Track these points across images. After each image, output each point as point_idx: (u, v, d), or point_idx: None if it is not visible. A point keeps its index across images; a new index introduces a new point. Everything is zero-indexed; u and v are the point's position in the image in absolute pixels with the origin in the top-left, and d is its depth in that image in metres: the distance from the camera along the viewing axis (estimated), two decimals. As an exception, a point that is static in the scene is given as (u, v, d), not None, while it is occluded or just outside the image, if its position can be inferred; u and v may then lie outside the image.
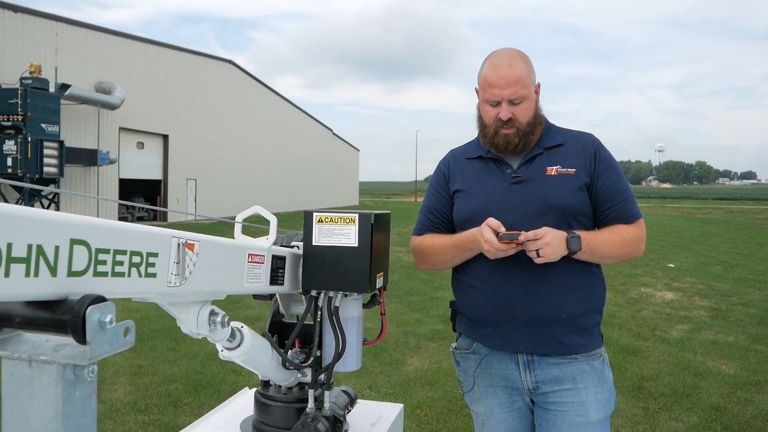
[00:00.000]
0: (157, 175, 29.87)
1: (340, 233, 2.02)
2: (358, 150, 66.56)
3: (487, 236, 2.15)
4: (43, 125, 19.82)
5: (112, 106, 24.19)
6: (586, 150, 2.34)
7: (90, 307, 1.08)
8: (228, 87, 34.87)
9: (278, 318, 2.20)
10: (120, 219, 26.84)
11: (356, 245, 2.00)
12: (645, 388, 5.98)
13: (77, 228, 1.24)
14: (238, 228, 2.01)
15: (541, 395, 2.35)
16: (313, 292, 2.02)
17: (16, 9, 21.29)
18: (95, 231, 1.28)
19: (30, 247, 1.13)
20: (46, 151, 19.77)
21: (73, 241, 1.23)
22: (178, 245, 1.52)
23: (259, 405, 2.09)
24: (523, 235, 2.09)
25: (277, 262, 1.97)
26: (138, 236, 1.39)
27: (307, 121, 47.96)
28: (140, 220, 29.19)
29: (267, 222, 1.94)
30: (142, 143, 28.51)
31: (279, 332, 2.16)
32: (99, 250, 1.28)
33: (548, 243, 2.09)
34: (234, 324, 1.83)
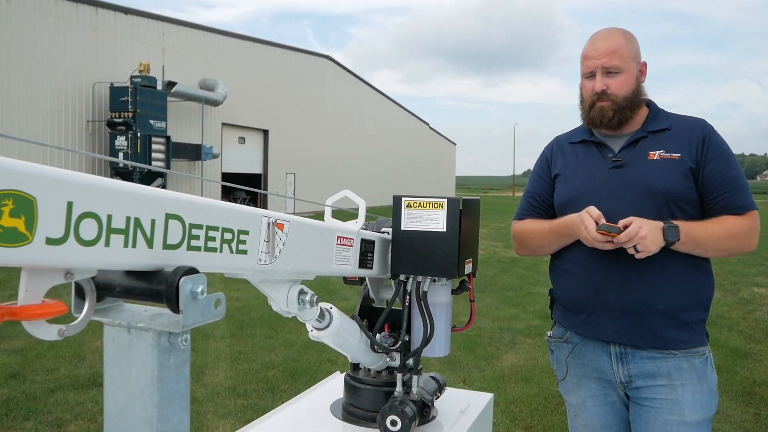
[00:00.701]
0: (257, 169, 30.70)
1: (429, 218, 2.02)
2: (455, 144, 66.24)
3: (586, 222, 2.06)
4: (152, 121, 20.73)
5: (215, 103, 25.02)
6: (694, 135, 2.21)
7: (183, 278, 1.16)
8: (326, 82, 35.41)
9: (368, 303, 2.23)
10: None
11: (444, 230, 1.99)
12: (757, 393, 5.60)
13: (172, 203, 1.31)
14: (328, 212, 2.06)
15: (634, 390, 2.25)
16: (402, 277, 2.03)
17: (126, 11, 22.34)
18: (189, 207, 1.35)
19: (128, 219, 1.22)
20: (154, 146, 20.66)
21: (168, 216, 1.31)
22: (268, 224, 1.57)
23: (349, 387, 2.12)
24: (630, 229, 2.00)
25: (366, 246, 2.00)
26: (230, 214, 1.45)
27: (403, 115, 48.11)
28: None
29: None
30: (244, 138, 29.36)
31: (369, 317, 2.18)
32: (192, 225, 1.35)
33: (644, 236, 1.98)
34: (323, 305, 1.87)
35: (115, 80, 20.84)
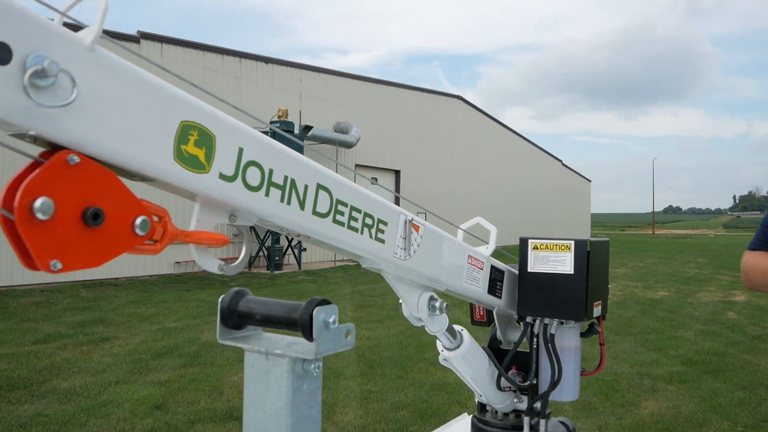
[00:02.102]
0: (389, 208, 31.14)
1: (556, 260, 2.01)
2: (590, 181, 64.38)
3: None
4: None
5: (348, 145, 25.80)
6: None
7: (317, 308, 1.23)
8: (457, 122, 35.64)
9: (495, 344, 2.25)
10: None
11: (572, 272, 1.97)
12: None
13: (323, 176, 1.46)
14: (459, 235, 2.11)
15: None
16: (529, 319, 2.03)
17: (267, 60, 23.64)
18: (338, 184, 1.49)
19: (286, 178, 1.38)
20: (292, 188, 21.49)
21: (319, 186, 1.45)
22: (405, 222, 1.69)
23: (476, 430, 2.12)
24: None
25: (496, 274, 2.05)
26: (372, 202, 1.59)
27: (535, 152, 47.45)
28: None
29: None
30: (376, 178, 29.97)
31: (496, 358, 2.18)
32: (339, 201, 1.49)
33: None
34: (455, 326, 1.94)
35: (255, 126, 21.95)
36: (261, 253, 21.67)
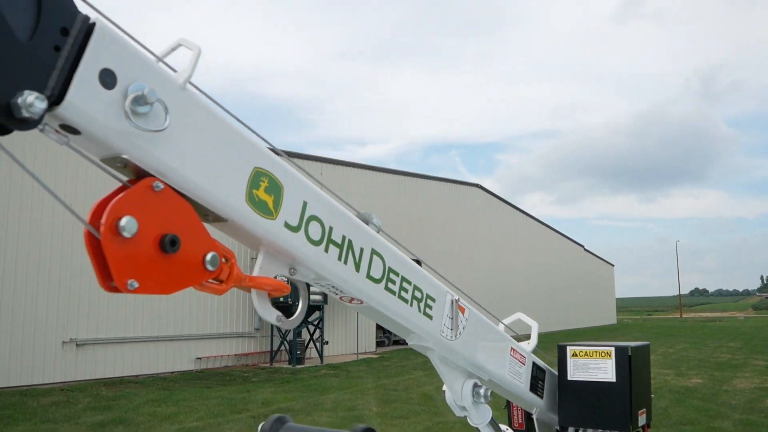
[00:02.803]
0: (411, 298, 30.92)
1: (596, 368, 1.93)
2: (613, 265, 63.75)
3: None
4: (310, 256, 21.64)
5: (369, 235, 25.90)
6: None
7: None
8: (477, 210, 35.78)
9: None
10: (378, 342, 28.00)
11: (614, 380, 1.90)
12: None
13: (379, 243, 1.59)
14: (500, 329, 2.16)
15: None
16: (571, 430, 1.97)
17: (290, 155, 24.02)
18: (391, 253, 1.62)
19: (344, 237, 1.49)
20: (312, 280, 21.44)
21: (374, 251, 1.56)
22: (452, 302, 1.74)
23: None
24: None
25: (538, 372, 2.01)
26: (423, 276, 1.70)
27: (556, 238, 47.27)
28: (396, 343, 30.17)
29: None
30: (397, 268, 29.89)
31: None
32: (391, 270, 1.58)
33: None
34: (502, 426, 1.94)
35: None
36: (283, 347, 21.42)
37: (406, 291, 1.61)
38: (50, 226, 15.50)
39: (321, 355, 21.89)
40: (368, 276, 1.51)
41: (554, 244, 46.49)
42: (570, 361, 1.97)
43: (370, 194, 27.53)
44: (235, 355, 20.76)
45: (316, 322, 22.44)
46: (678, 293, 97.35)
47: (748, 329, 43.34)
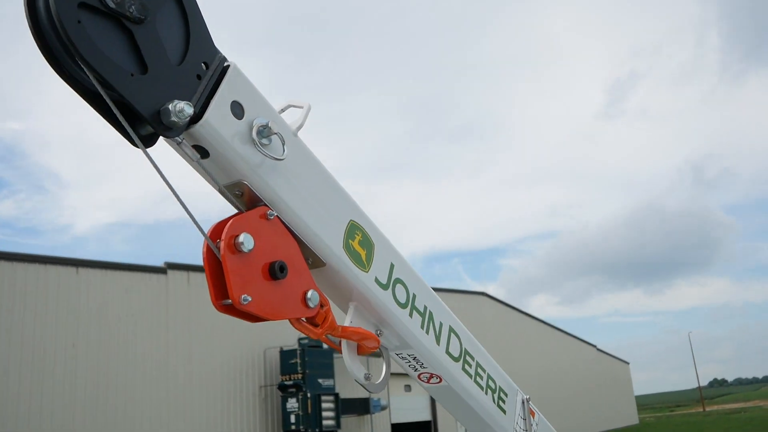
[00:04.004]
0: (426, 416, 30.06)
1: None
2: (628, 363, 62.40)
3: None
4: (320, 380, 21.19)
5: (379, 355, 25.39)
6: None
7: None
8: (485, 318, 35.38)
9: None
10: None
11: None
12: None
13: (456, 323, 1.69)
14: None
15: None
16: None
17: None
18: (467, 336, 1.71)
19: (425, 308, 1.60)
20: (323, 405, 20.90)
21: (452, 330, 1.67)
22: (523, 401, 1.80)
23: None
24: None
25: None
26: (496, 368, 1.74)
27: (568, 340, 46.52)
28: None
29: None
30: (410, 386, 29.20)
31: None
32: (467, 352, 1.66)
33: None
34: None
35: (284, 344, 21.86)
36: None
37: (481, 377, 1.64)
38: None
39: (338, 485, 21.00)
40: (447, 352, 1.59)
41: (566, 346, 45.68)
42: None
43: (376, 311, 27.26)
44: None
45: (330, 450, 21.67)
46: (698, 385, 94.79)
47: (776, 420, 41.91)
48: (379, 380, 1.49)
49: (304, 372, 20.67)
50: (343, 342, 1.42)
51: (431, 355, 1.50)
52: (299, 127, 1.47)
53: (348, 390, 23.75)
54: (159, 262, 20.06)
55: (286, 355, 21.27)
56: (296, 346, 21.28)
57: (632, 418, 57.81)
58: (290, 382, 20.79)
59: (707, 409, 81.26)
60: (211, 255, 1.35)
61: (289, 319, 1.43)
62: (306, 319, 1.44)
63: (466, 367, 1.57)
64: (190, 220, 1.34)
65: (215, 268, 1.35)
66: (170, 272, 19.88)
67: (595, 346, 51.94)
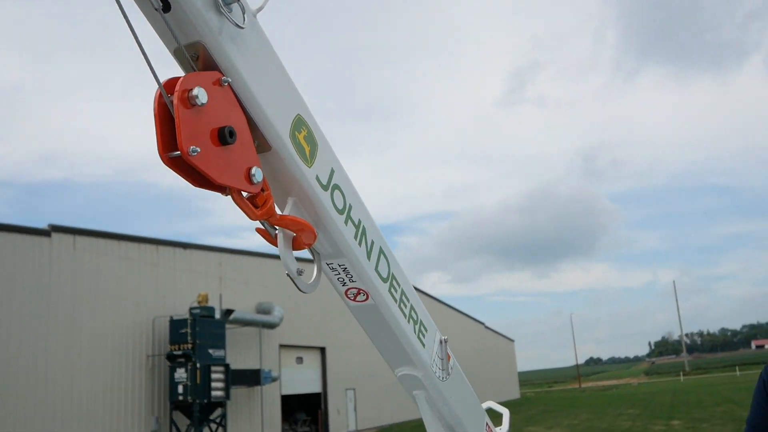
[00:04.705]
0: (316, 388, 30.21)
1: None
2: (513, 340, 64.92)
3: None
4: (211, 351, 20.83)
5: (272, 326, 25.26)
6: None
7: None
8: (378, 293, 35.78)
9: None
10: (284, 437, 26.97)
11: None
12: None
13: (387, 247, 1.67)
14: None
15: None
16: None
17: (185, 246, 23.43)
18: (395, 263, 1.66)
19: (359, 222, 1.56)
20: (213, 376, 20.59)
21: (382, 251, 1.64)
22: (441, 340, 1.82)
23: None
24: None
25: None
26: (419, 303, 1.78)
27: (458, 317, 47.79)
28: (303, 435, 29.19)
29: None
30: (301, 358, 29.23)
31: None
32: (394, 277, 1.63)
33: None
34: None
35: (174, 313, 21.34)
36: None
37: (405, 306, 1.62)
38: None
39: (225, 457, 20.80)
40: (377, 270, 1.54)
41: (457, 323, 46.94)
42: None
43: (272, 283, 26.97)
44: (131, 462, 19.40)
45: (218, 420, 21.41)
46: (575, 363, 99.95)
47: (643, 395, 44.80)
48: (311, 281, 1.45)
49: (194, 342, 20.24)
50: (279, 233, 1.36)
51: (361, 269, 1.47)
52: (260, 9, 1.49)
53: (239, 361, 23.51)
54: (42, 225, 19.04)
55: (176, 324, 20.75)
56: (187, 316, 20.81)
57: (514, 392, 60.33)
58: (179, 352, 20.33)
59: (583, 385, 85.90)
60: (162, 107, 1.35)
61: (231, 194, 1.42)
62: (247, 197, 1.45)
63: (392, 291, 1.56)
64: (148, 67, 1.35)
65: (165, 120, 1.34)
66: (55, 235, 18.90)
67: (483, 323, 53.67)
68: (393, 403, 34.57)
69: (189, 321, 20.51)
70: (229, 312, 22.54)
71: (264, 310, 25.54)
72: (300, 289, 1.40)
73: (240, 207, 1.44)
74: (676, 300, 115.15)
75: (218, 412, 21.29)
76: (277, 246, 1.44)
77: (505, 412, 2.14)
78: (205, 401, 20.16)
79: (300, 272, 1.39)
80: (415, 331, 1.66)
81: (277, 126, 1.47)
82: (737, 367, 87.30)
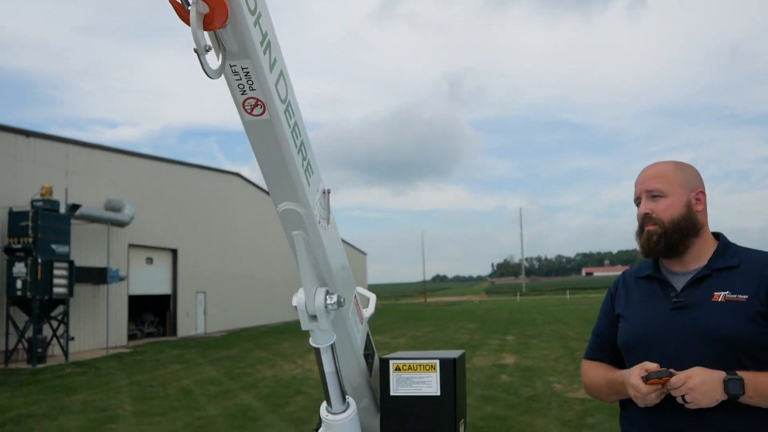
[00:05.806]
0: (166, 289, 29.77)
1: (420, 382, 1.91)
2: (365, 254, 66.62)
3: (632, 380, 1.90)
4: (54, 246, 19.89)
5: (121, 224, 24.37)
6: (764, 273, 1.99)
7: None
8: (235, 199, 35.30)
9: None
10: (129, 335, 26.55)
11: (438, 394, 1.88)
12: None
13: (286, 73, 1.53)
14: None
15: None
16: None
17: (28, 134, 21.81)
18: (293, 93, 1.54)
19: (266, 33, 1.44)
20: (56, 272, 19.74)
21: (282, 74, 1.49)
22: (324, 190, 1.71)
23: None
24: (673, 379, 1.83)
25: (369, 346, 2.05)
26: (309, 144, 1.64)
27: (314, 227, 48.23)
28: (150, 335, 28.85)
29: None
30: (152, 258, 28.57)
31: None
32: (290, 104, 1.51)
33: (693, 387, 1.81)
34: (348, 398, 1.85)
35: (15, 204, 20.04)
36: (20, 345, 19.38)
37: (297, 137, 1.54)
38: None
39: (66, 353, 20.22)
40: (276, 87, 1.44)
41: (312, 233, 47.36)
42: (393, 376, 1.91)
43: (122, 180, 25.87)
44: (-39, 357, 18.45)
45: (59, 317, 20.68)
46: (423, 279, 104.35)
47: (483, 312, 47.73)
48: (216, 67, 1.38)
49: (35, 236, 19.21)
50: (193, 7, 1.29)
51: (263, 77, 1.39)
52: None
53: (84, 259, 22.63)
54: None
55: (15, 216, 19.52)
56: (28, 208, 19.62)
57: (363, 303, 62.21)
58: (19, 246, 19.24)
59: (428, 300, 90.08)
60: None
61: None
62: None
63: (287, 116, 1.49)
64: None
65: None
66: None
67: (338, 235, 54.53)
68: (243, 309, 34.76)
69: (30, 213, 19.36)
70: (75, 207, 21.48)
71: (113, 207, 24.52)
72: (204, 70, 1.32)
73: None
74: (521, 226, 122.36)
75: (60, 309, 20.55)
76: (188, 22, 1.35)
77: (372, 297, 2.16)
78: (46, 298, 19.36)
79: (207, 49, 1.33)
80: (303, 166, 1.61)
81: None
82: (568, 291, 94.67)
